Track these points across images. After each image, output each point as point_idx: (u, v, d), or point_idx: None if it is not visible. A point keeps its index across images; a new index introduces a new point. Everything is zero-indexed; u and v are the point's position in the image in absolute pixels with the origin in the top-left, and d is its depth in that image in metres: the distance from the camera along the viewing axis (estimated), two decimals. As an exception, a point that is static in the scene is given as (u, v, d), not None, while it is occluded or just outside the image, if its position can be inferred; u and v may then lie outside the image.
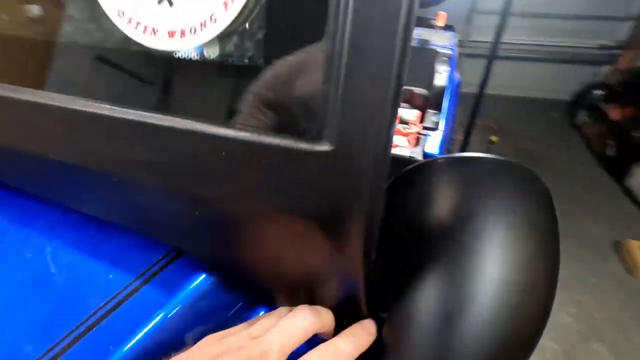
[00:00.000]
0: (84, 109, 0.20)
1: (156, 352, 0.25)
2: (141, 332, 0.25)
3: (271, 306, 0.33)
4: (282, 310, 0.25)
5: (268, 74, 0.17)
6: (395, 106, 0.15)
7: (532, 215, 0.22)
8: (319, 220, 0.18)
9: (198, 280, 0.27)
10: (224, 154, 0.18)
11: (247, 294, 0.29)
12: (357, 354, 0.22)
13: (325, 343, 0.22)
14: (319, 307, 0.24)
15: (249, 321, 0.24)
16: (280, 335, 0.21)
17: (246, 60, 0.17)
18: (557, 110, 2.61)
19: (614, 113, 2.08)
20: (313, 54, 0.16)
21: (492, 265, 0.20)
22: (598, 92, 2.27)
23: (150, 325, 0.25)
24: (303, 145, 0.16)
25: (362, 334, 0.23)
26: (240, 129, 0.17)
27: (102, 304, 0.26)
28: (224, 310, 0.29)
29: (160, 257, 0.28)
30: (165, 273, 0.27)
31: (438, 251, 0.22)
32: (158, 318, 0.26)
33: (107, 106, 0.19)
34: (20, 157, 0.27)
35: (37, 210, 0.33)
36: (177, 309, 0.26)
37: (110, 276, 0.27)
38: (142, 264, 0.28)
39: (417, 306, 0.22)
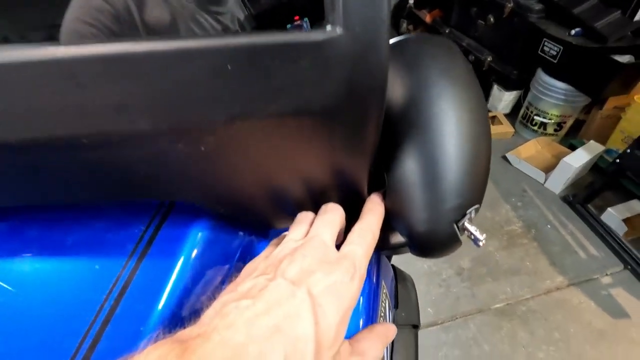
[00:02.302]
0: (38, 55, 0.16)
1: (185, 314, 0.25)
2: (159, 302, 0.24)
3: (271, 237, 0.34)
4: (303, 216, 0.26)
5: None
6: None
7: (466, 76, 0.28)
8: (340, 114, 0.20)
9: (199, 235, 0.26)
10: (229, 67, 0.17)
11: (250, 227, 0.30)
12: (380, 222, 0.26)
13: (358, 222, 0.25)
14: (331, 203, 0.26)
15: (273, 241, 0.26)
16: (327, 229, 0.24)
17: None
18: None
19: (427, 17, 2.48)
20: None
21: (454, 124, 0.26)
22: (411, 1, 2.63)
23: (166, 293, 0.24)
24: (315, 36, 0.17)
25: (377, 206, 0.27)
26: (243, 35, 0.17)
27: (106, 294, 0.23)
28: (232, 252, 0.29)
29: (146, 226, 0.26)
30: (159, 238, 0.25)
31: (411, 124, 0.27)
32: (172, 282, 0.24)
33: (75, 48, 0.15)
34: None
35: None
36: (187, 267, 0.25)
37: (98, 266, 0.24)
38: (130, 240, 0.25)
39: (406, 172, 0.26)
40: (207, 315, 0.20)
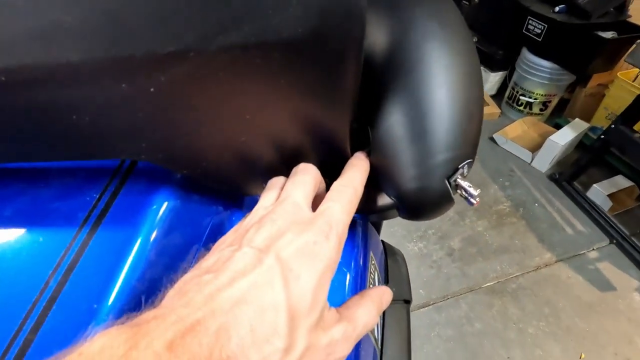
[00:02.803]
0: None
1: (147, 289, 0.22)
2: (116, 282, 0.21)
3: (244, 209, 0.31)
4: (275, 181, 0.24)
5: None
6: None
7: (454, 18, 0.25)
8: (312, 49, 0.17)
9: (163, 204, 0.23)
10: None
11: (222, 196, 0.27)
12: (364, 177, 0.24)
13: (338, 179, 0.22)
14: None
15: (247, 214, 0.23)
16: (300, 189, 0.21)
17: None
18: None
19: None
20: None
21: (443, 69, 0.23)
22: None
23: (123, 271, 0.21)
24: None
25: (360, 161, 0.24)
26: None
27: (52, 270, 0.20)
28: (202, 225, 0.26)
29: (100, 193, 0.22)
30: (116, 206, 0.22)
31: (396, 71, 0.24)
32: (130, 257, 0.21)
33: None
34: None
35: None
36: (148, 240, 0.22)
37: (42, 238, 0.21)
38: (80, 208, 0.22)
39: (392, 125, 0.24)
40: (168, 296, 0.17)
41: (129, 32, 0.15)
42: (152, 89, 0.17)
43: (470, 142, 0.24)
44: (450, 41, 0.24)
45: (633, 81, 1.49)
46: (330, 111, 0.22)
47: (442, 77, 0.23)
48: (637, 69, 1.53)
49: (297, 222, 0.19)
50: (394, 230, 1.40)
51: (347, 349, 0.19)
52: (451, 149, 0.23)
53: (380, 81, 0.25)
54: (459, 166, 0.24)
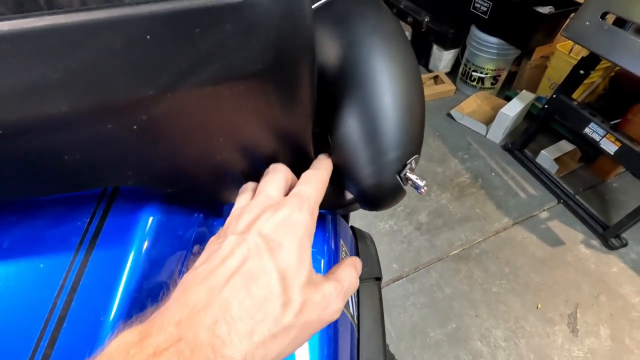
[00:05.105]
0: None
1: (147, 297, 0.24)
2: (117, 293, 0.23)
3: (223, 216, 0.34)
4: (247, 186, 0.26)
5: None
6: None
7: (395, 32, 0.29)
8: (272, 77, 0.20)
9: (149, 219, 0.26)
10: (148, 37, 0.16)
11: (203, 206, 0.29)
12: (328, 171, 0.27)
13: (307, 172, 0.25)
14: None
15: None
16: (272, 184, 0.24)
17: None
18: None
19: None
20: None
21: (387, 80, 0.27)
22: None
23: (122, 283, 0.24)
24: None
25: (324, 160, 0.28)
26: (158, 2, 0.16)
27: (57, 291, 0.22)
28: (187, 234, 0.29)
29: (89, 217, 0.25)
30: (107, 228, 0.25)
31: (346, 84, 0.27)
32: (127, 270, 0.24)
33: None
34: None
35: None
36: (141, 254, 0.25)
37: (43, 265, 0.23)
38: (74, 233, 0.24)
39: (348, 131, 0.27)
40: (172, 296, 0.20)
41: (110, 81, 0.17)
42: (135, 127, 0.19)
43: (415, 140, 0.28)
44: (391, 52, 0.28)
45: (569, 53, 1.62)
46: (293, 122, 0.25)
47: (386, 86, 0.27)
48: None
49: (272, 206, 0.22)
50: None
51: (340, 302, 0.22)
52: (399, 147, 0.27)
53: (335, 92, 0.28)
54: (407, 162, 0.28)
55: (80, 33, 0.16)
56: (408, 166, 0.28)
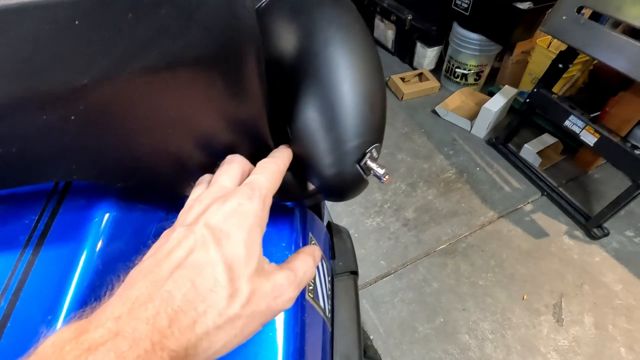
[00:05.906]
0: None
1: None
2: (66, 296, 0.23)
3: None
4: (202, 178, 0.26)
5: None
6: None
7: (352, 20, 0.28)
8: (216, 64, 0.19)
9: (105, 216, 0.25)
10: (77, 22, 0.16)
11: (161, 200, 0.29)
12: (286, 158, 0.27)
13: (262, 160, 0.25)
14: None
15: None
16: (226, 174, 0.23)
17: None
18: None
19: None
20: None
21: (345, 68, 0.27)
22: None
23: (73, 283, 0.23)
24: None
25: (282, 148, 0.28)
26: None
27: (0, 291, 0.21)
28: (146, 230, 0.28)
29: (38, 214, 0.24)
30: (57, 225, 0.24)
31: (304, 73, 0.27)
32: (79, 269, 0.23)
33: None
34: None
35: None
36: (94, 252, 0.24)
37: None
38: (21, 232, 0.23)
39: (306, 121, 0.27)
40: (116, 293, 0.19)
41: (39, 69, 0.17)
42: (72, 117, 0.19)
43: (375, 128, 0.28)
44: (349, 42, 0.27)
45: (548, 47, 1.64)
46: (245, 112, 0.25)
47: (343, 75, 0.26)
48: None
49: (222, 196, 0.21)
50: (352, 209, 1.46)
51: (292, 292, 0.21)
52: (358, 136, 0.27)
53: (292, 83, 0.28)
54: (367, 151, 0.28)
55: (3, 18, 0.15)
56: (368, 155, 0.28)
